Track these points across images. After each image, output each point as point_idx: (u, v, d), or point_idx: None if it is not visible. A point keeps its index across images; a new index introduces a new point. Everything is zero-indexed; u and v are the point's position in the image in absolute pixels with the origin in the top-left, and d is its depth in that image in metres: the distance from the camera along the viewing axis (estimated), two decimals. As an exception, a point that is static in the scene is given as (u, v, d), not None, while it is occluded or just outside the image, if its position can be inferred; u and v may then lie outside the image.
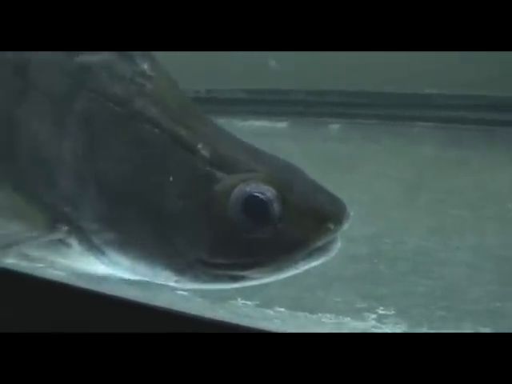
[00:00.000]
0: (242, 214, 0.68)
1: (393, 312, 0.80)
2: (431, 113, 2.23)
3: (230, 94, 2.52)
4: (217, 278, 0.72)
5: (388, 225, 1.22)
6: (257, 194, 0.67)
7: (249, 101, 2.49)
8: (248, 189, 0.67)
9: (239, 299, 0.76)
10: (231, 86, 2.51)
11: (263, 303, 0.74)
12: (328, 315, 0.71)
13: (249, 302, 0.75)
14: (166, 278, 0.74)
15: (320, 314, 0.72)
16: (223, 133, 0.75)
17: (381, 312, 0.80)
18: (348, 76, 2.23)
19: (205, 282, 0.73)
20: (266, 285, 0.87)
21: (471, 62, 2.08)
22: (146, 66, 0.76)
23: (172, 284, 0.75)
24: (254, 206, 0.68)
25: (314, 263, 0.70)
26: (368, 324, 0.72)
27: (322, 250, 0.69)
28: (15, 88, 0.78)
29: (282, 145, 1.97)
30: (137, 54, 0.78)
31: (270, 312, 0.76)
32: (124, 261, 0.75)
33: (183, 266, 0.72)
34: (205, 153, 0.71)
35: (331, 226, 0.67)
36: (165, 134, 0.72)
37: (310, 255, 0.68)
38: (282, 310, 0.73)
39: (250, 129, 2.31)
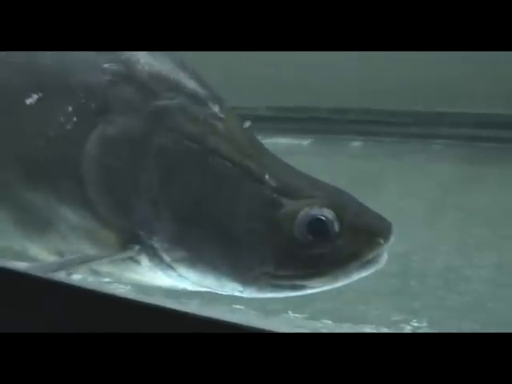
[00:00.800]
0: (307, 233, 0.77)
1: (425, 324, 0.88)
2: (448, 131, 2.27)
3: (255, 111, 2.48)
4: (280, 288, 0.80)
5: (414, 243, 1.28)
6: (320, 217, 0.76)
7: (274, 118, 2.50)
8: (312, 212, 0.76)
9: (290, 312, 0.83)
10: (257, 103, 2.51)
11: (311, 316, 0.80)
12: (369, 326, 0.76)
13: (298, 315, 0.82)
14: (231, 290, 0.82)
15: (362, 325, 0.78)
16: (282, 163, 0.86)
17: (415, 324, 0.88)
18: (369, 95, 2.28)
19: (268, 291, 0.80)
20: (313, 299, 0.97)
21: (488, 82, 2.15)
22: (216, 109, 0.85)
23: (236, 294, 0.82)
24: (318, 226, 0.77)
25: (366, 273, 0.79)
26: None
27: (372, 261, 0.78)
28: (93, 124, 0.84)
29: (306, 162, 2.06)
30: (209, 97, 0.86)
31: (318, 324, 0.82)
32: (192, 275, 0.83)
33: (250, 278, 0.79)
34: (271, 182, 0.80)
35: (380, 241, 0.77)
36: (236, 167, 0.81)
37: (362, 266, 0.78)
38: (329, 322, 0.81)
39: (275, 146, 2.28)
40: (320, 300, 0.93)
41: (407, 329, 0.86)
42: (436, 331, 0.86)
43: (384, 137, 2.32)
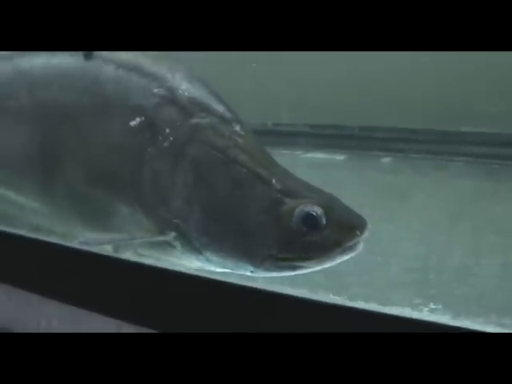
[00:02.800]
0: (302, 225, 0.98)
1: (440, 306, 1.05)
2: (470, 149, 2.37)
3: (293, 127, 2.69)
4: (282, 268, 0.99)
5: (434, 245, 1.46)
6: (311, 212, 0.97)
7: (310, 134, 2.63)
8: (306, 209, 0.97)
9: (331, 295, 0.94)
10: (295, 120, 2.67)
11: (349, 298, 0.90)
12: (395, 308, 0.82)
13: (338, 298, 0.89)
14: (245, 269, 1.00)
15: (389, 307, 0.83)
16: (286, 171, 1.06)
17: (432, 306, 1.05)
18: (398, 114, 2.41)
19: (273, 271, 1.00)
20: (349, 286, 1.17)
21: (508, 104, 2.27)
22: (238, 128, 1.06)
23: (248, 273, 1.01)
24: (310, 220, 0.97)
25: (346, 258, 1.00)
26: (423, 314, 0.90)
27: (351, 248, 0.98)
28: (144, 137, 1.04)
29: (339, 175, 2.23)
30: (232, 118, 1.06)
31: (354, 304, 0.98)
32: (216, 258, 1.01)
33: (259, 260, 0.98)
34: (277, 185, 1.00)
35: (357, 233, 0.98)
36: (250, 173, 1.01)
37: (343, 252, 0.99)
38: (362, 303, 0.96)
39: (311, 160, 2.49)
40: (355, 287, 1.14)
41: (425, 310, 1.02)
42: (448, 312, 1.04)
43: (411, 153, 2.42)
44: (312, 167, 2.35)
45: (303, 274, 1.10)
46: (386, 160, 2.41)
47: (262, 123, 2.64)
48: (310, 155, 2.51)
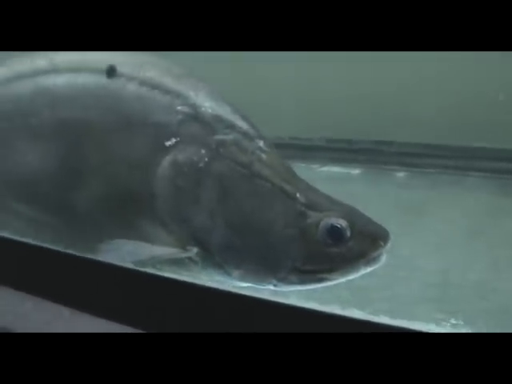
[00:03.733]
0: (327, 237, 0.97)
1: (461, 322, 1.07)
2: (484, 164, 2.39)
3: (310, 141, 2.72)
4: (306, 281, 0.99)
5: (452, 261, 1.48)
6: (336, 224, 0.97)
7: (326, 148, 2.66)
8: (331, 221, 0.97)
9: (355, 310, 0.87)
10: (312, 134, 2.71)
11: (372, 313, 0.84)
12: (418, 323, 0.81)
13: (362, 312, 0.87)
14: (268, 283, 1.00)
15: (412, 322, 0.82)
16: (308, 185, 1.07)
17: (453, 322, 1.06)
18: (413, 129, 2.42)
19: (297, 284, 0.99)
20: (373, 301, 1.20)
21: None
22: (261, 144, 1.04)
23: (271, 287, 1.00)
24: (335, 232, 0.97)
25: (370, 269, 0.99)
26: (445, 329, 0.86)
27: (375, 260, 0.98)
28: (170, 152, 1.04)
29: (355, 189, 2.24)
30: (255, 135, 1.06)
31: (378, 319, 0.99)
32: (238, 272, 1.01)
33: (284, 273, 0.98)
34: (301, 199, 1.00)
35: (381, 244, 0.98)
36: (275, 187, 1.00)
37: (367, 263, 0.98)
38: (386, 318, 0.97)
39: (327, 174, 2.50)
40: (378, 302, 1.17)
41: (447, 325, 1.03)
42: (469, 327, 1.06)
43: (425, 168, 2.44)
44: (328, 181, 2.36)
45: (328, 290, 1.13)
46: (401, 174, 2.44)
47: (278, 137, 2.68)
48: (326, 169, 2.54)
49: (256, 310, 0.87)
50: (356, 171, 2.51)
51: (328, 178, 2.42)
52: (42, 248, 1.10)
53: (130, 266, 1.02)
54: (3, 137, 1.19)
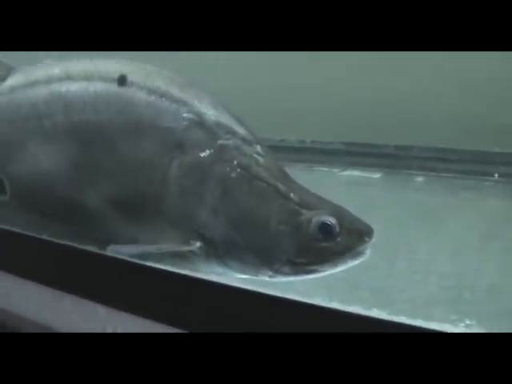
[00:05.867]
0: (318, 232, 1.08)
1: (475, 322, 1.11)
2: (500, 169, 2.41)
3: (331, 145, 2.76)
4: (298, 272, 1.09)
5: (467, 264, 1.52)
6: (327, 221, 1.08)
7: (347, 152, 2.71)
8: (322, 219, 1.08)
9: (374, 310, 0.94)
10: (332, 139, 2.75)
11: (391, 313, 0.91)
12: (435, 323, 0.87)
13: (382, 312, 0.93)
14: (264, 274, 1.10)
15: (429, 322, 0.88)
16: (301, 186, 1.16)
17: (467, 322, 1.10)
18: (432, 133, 2.47)
19: (290, 275, 1.09)
20: (392, 303, 1.26)
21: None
22: (258, 148, 1.15)
23: (267, 278, 1.10)
24: (325, 228, 1.08)
25: (356, 262, 1.09)
26: (459, 329, 0.90)
27: (360, 253, 1.09)
28: (174, 156, 1.14)
29: (375, 193, 2.30)
30: (253, 140, 1.15)
31: (397, 319, 0.92)
32: (237, 264, 1.11)
33: (279, 265, 1.08)
34: (294, 198, 1.10)
35: (366, 239, 1.09)
36: (271, 187, 1.11)
37: (354, 256, 1.08)
38: (404, 318, 0.92)
39: (347, 178, 2.55)
40: (397, 304, 1.25)
41: (461, 325, 1.08)
42: (482, 328, 1.10)
43: (444, 173, 2.49)
44: (349, 185, 2.43)
45: (350, 292, 1.21)
46: (420, 179, 2.47)
47: (299, 140, 2.79)
48: (346, 173, 2.59)
49: (280, 310, 0.94)
50: (376, 175, 2.55)
51: (349, 183, 2.47)
52: (77, 248, 1.20)
53: (152, 264, 1.10)
54: (19, 138, 1.28)
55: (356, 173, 2.57)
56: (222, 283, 1.02)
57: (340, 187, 2.37)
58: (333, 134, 2.70)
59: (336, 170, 2.58)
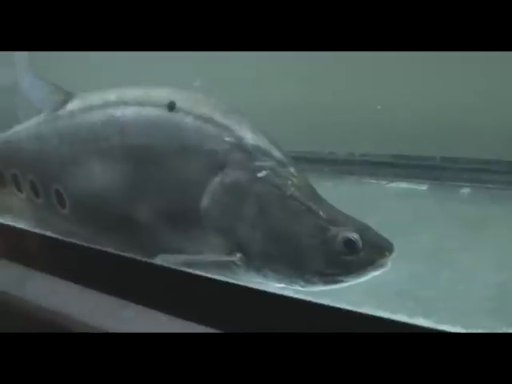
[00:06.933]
0: (343, 247, 1.16)
1: None
2: None
3: (379, 158, 2.82)
4: (327, 282, 1.19)
5: (511, 275, 1.57)
6: (351, 237, 1.18)
7: (395, 165, 2.75)
8: (346, 235, 1.19)
9: (421, 318, 1.01)
10: (381, 151, 2.80)
11: (436, 321, 0.99)
12: (482, 329, 0.93)
13: (428, 321, 1.00)
14: (296, 284, 1.20)
15: (475, 329, 0.95)
16: (329, 204, 1.28)
17: (505, 330, 1.05)
18: (477, 145, 2.50)
19: (320, 285, 1.19)
20: (436, 312, 1.32)
21: None
22: (292, 169, 1.26)
23: (299, 288, 1.20)
24: (349, 243, 1.16)
25: (378, 273, 1.19)
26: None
27: (381, 266, 1.18)
28: (218, 175, 1.25)
29: (421, 205, 2.34)
30: (288, 162, 1.26)
31: (440, 327, 0.98)
32: (273, 274, 1.21)
33: (309, 275, 1.19)
34: (323, 216, 1.20)
35: (386, 253, 1.18)
36: (302, 206, 1.21)
37: (375, 269, 1.18)
38: (449, 326, 0.97)
39: (395, 190, 2.59)
40: (442, 312, 1.32)
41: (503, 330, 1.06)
42: None
43: (489, 184, 2.51)
44: (397, 197, 2.48)
45: (395, 301, 1.28)
46: (466, 190, 2.49)
47: (349, 153, 2.86)
48: (394, 185, 2.63)
49: (329, 318, 1.03)
50: (423, 187, 2.58)
51: (397, 195, 2.51)
52: (129, 258, 1.33)
53: (199, 272, 1.22)
54: (78, 158, 1.41)
55: (403, 185, 2.61)
56: (272, 292, 1.15)
57: (388, 199, 2.43)
58: (381, 147, 2.75)
59: (384, 182, 2.63)
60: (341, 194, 2.38)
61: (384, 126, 2.71)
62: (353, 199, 2.31)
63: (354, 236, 1.17)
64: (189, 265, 1.22)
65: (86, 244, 1.37)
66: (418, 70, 2.58)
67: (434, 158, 2.69)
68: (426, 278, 1.58)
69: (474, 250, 1.78)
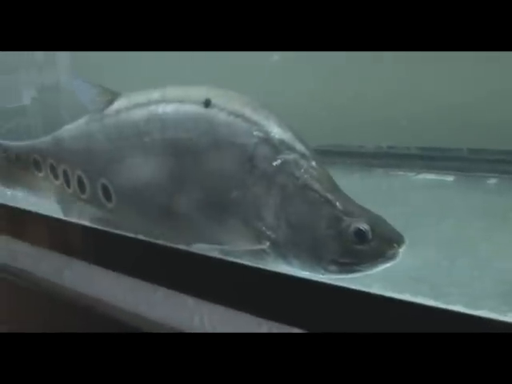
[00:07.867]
0: (355, 237, 1.24)
1: None
2: None
3: (406, 150, 2.86)
4: (342, 271, 1.26)
5: None
6: (361, 228, 1.24)
7: (422, 157, 2.78)
8: (357, 225, 1.25)
9: (432, 301, 1.09)
10: (409, 143, 2.83)
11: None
12: (483, 311, 1.02)
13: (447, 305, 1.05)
14: (318, 272, 1.27)
15: (486, 311, 1.03)
16: (346, 195, 1.36)
17: None
18: (504, 136, 2.52)
19: (336, 273, 1.26)
20: (447, 295, 1.39)
21: None
22: (313, 162, 1.34)
23: (320, 275, 1.26)
24: (360, 233, 1.23)
25: (389, 264, 1.25)
26: (506, 318, 1.02)
27: (391, 257, 1.25)
28: (246, 168, 1.35)
29: (447, 195, 2.38)
30: (310, 156, 1.33)
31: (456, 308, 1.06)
32: (297, 262, 1.29)
33: (326, 263, 1.26)
34: (339, 207, 1.27)
35: (395, 245, 1.24)
36: (321, 197, 1.29)
37: (386, 260, 1.24)
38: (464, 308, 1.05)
39: (422, 181, 2.63)
40: (451, 296, 1.35)
41: (510, 314, 1.08)
42: None
43: None
44: (423, 188, 2.53)
45: (410, 287, 1.35)
46: (492, 181, 2.51)
47: (377, 145, 2.93)
48: (421, 176, 2.67)
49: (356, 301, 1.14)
50: (450, 178, 2.61)
51: (424, 186, 2.55)
52: (169, 247, 1.46)
53: (233, 259, 1.32)
54: (123, 153, 1.53)
55: (430, 176, 2.64)
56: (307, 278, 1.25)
57: (415, 190, 2.47)
58: (408, 139, 2.78)
59: (411, 174, 2.67)
60: (368, 186, 2.50)
61: (412, 118, 2.73)
62: (380, 191, 2.43)
63: (365, 226, 1.25)
64: (224, 253, 1.33)
65: (129, 234, 1.50)
66: (443, 64, 2.62)
67: (461, 150, 2.72)
68: (442, 265, 1.63)
69: (491, 239, 1.81)
